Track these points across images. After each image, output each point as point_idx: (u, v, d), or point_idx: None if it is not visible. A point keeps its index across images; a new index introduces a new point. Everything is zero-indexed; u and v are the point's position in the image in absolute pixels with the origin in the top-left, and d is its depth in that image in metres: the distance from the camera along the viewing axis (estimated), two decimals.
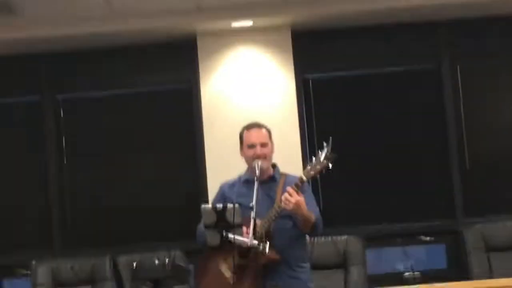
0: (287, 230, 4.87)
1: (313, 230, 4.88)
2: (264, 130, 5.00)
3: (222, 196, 5.06)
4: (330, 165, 4.71)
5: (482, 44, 7.65)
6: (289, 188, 4.71)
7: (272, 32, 7.37)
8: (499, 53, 7.64)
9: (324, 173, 4.75)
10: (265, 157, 4.93)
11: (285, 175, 5.01)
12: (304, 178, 4.76)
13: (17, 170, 7.65)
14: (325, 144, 4.75)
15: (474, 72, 7.72)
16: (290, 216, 4.81)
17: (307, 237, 5.12)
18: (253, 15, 7.11)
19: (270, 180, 4.98)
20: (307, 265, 5.03)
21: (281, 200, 4.74)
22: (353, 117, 7.70)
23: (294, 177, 4.92)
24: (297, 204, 4.69)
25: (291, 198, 4.68)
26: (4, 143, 7.67)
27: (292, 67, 7.44)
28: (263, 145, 4.94)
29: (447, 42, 7.66)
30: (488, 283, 6.04)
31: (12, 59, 7.53)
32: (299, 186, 4.72)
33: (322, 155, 4.73)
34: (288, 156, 6.80)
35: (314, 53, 7.65)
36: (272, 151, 5.00)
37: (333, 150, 4.72)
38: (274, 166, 5.04)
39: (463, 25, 7.57)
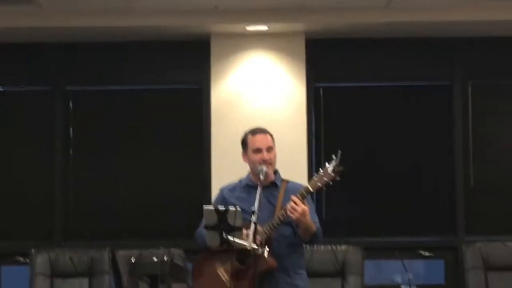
0: (286, 237, 4.87)
1: (313, 239, 4.88)
2: (268, 136, 4.99)
3: (222, 199, 5.03)
4: (338, 178, 4.71)
5: (495, 63, 7.66)
6: (294, 197, 4.70)
7: (286, 38, 7.38)
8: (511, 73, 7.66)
9: (331, 185, 4.74)
10: (271, 162, 4.93)
11: (286, 182, 5.01)
12: (311, 189, 4.75)
13: (23, 157, 7.67)
14: (333, 156, 4.72)
15: (485, 91, 7.73)
16: (290, 223, 4.81)
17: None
18: (269, 20, 7.11)
19: (272, 186, 4.96)
20: (304, 272, 5.03)
21: (282, 207, 4.74)
22: (361, 128, 7.69)
23: (296, 184, 4.94)
24: (302, 214, 4.68)
25: (297, 207, 4.67)
26: (13, 130, 7.69)
27: (304, 74, 7.43)
28: (269, 150, 4.94)
29: (461, 59, 7.66)
30: None
31: (26, 48, 7.57)
32: (304, 196, 4.72)
33: (330, 167, 4.71)
34: (294, 163, 6.83)
35: (326, 62, 7.64)
36: (275, 157, 4.99)
37: (340, 163, 4.72)
38: (275, 172, 5.03)
39: (478, 43, 7.59)
